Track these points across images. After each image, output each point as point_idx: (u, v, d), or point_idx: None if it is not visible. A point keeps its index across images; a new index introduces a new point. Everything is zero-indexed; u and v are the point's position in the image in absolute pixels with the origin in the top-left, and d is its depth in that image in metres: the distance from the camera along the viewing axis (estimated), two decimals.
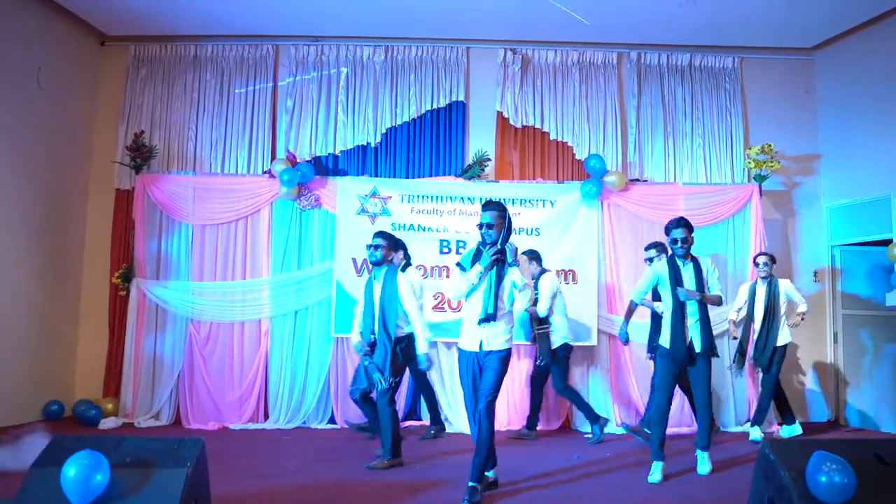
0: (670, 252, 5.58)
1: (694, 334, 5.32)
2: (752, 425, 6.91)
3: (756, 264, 7.09)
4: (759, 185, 7.79)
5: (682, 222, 5.40)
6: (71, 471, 3.25)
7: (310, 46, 8.33)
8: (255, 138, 8.22)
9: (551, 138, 8.26)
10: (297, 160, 7.82)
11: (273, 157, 8.08)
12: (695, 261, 5.43)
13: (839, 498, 3.37)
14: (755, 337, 6.97)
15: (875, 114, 7.68)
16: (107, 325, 7.85)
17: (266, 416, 7.46)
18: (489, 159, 8.00)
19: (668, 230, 5.47)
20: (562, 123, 8.29)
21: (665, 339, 5.38)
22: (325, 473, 5.22)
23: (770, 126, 8.31)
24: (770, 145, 7.74)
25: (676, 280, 5.34)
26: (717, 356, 5.55)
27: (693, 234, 5.45)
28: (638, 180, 8.06)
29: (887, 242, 7.23)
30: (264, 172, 7.96)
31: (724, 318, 7.30)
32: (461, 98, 8.27)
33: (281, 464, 5.51)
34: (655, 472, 5.11)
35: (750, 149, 7.93)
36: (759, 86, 8.46)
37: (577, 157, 8.19)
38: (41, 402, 7.36)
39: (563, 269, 7.56)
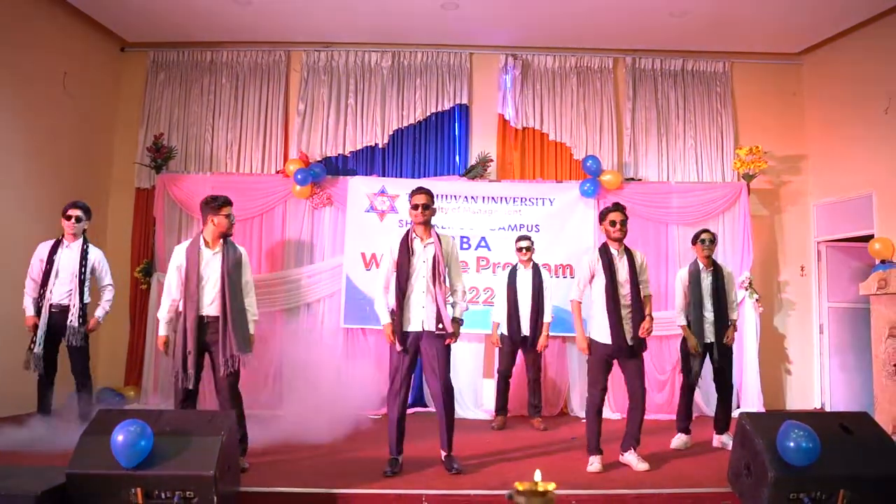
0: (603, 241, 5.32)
1: (626, 328, 5.07)
2: (720, 433, 6.07)
3: (701, 241, 6.05)
4: (748, 183, 8.17)
5: (619, 206, 5.25)
6: (119, 437, 3.65)
7: (321, 52, 8.72)
8: (269, 140, 8.63)
9: (550, 139, 8.62)
10: (309, 160, 8.22)
11: (285, 158, 8.49)
12: (629, 252, 5.23)
13: (805, 461, 3.78)
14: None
15: (858, 116, 8.02)
16: (128, 318, 8.24)
17: (281, 403, 7.82)
18: (491, 160, 8.36)
19: (602, 216, 5.27)
20: (560, 125, 8.65)
21: (595, 333, 5.15)
22: (331, 452, 5.58)
23: (759, 127, 8.67)
24: (758, 147, 8.09)
25: (611, 272, 5.12)
26: (646, 349, 5.25)
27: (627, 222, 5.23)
28: (633, 179, 8.42)
29: (869, 238, 7.58)
30: (277, 172, 8.37)
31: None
32: (464, 101, 8.64)
33: (292, 445, 5.77)
34: (594, 464, 4.98)
35: (740, 149, 8.28)
36: (749, 89, 8.82)
37: (574, 157, 8.55)
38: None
39: (561, 264, 7.97)
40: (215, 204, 5.04)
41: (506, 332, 6.99)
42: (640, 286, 5.17)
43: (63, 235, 6.13)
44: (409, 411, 6.45)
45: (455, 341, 4.96)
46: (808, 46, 8.66)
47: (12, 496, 3.45)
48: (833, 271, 8.44)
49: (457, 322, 4.95)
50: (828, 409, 8.11)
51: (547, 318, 6.98)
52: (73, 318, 5.95)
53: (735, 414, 7.39)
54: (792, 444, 3.78)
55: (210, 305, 4.96)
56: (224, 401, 4.98)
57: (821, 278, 8.47)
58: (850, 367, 8.27)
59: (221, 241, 5.06)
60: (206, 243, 5.05)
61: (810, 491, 3.78)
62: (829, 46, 8.48)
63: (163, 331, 5.08)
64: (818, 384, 8.36)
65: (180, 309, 5.02)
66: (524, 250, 7.04)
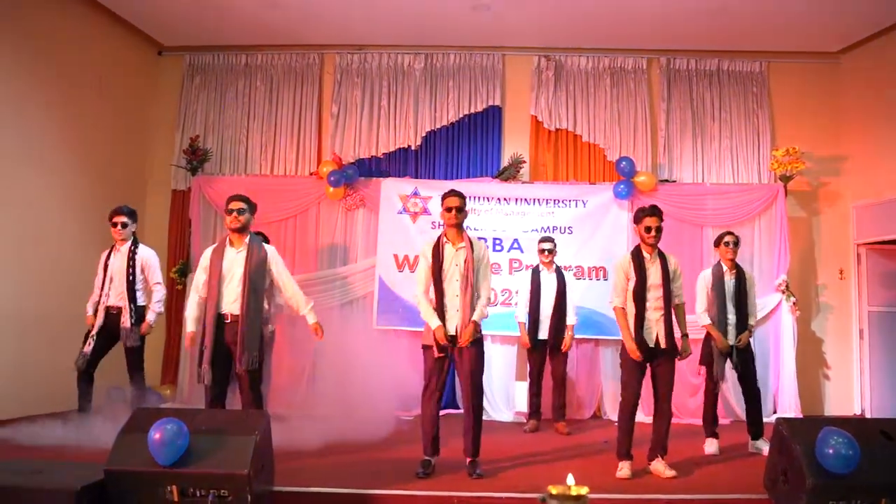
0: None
1: (659, 330, 4.95)
2: (754, 438, 5.93)
3: (725, 244, 6.02)
4: (785, 185, 8.03)
5: (656, 210, 5.06)
6: (156, 434, 3.70)
7: (354, 55, 8.78)
8: (302, 142, 8.72)
9: (583, 141, 8.56)
10: (343, 162, 8.27)
11: (319, 160, 8.56)
12: (663, 256, 5.07)
13: (845, 468, 3.69)
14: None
15: None
16: (164, 317, 8.34)
17: (314, 404, 7.87)
18: (524, 161, 8.33)
19: (638, 218, 5.10)
20: (594, 126, 8.59)
21: (629, 337, 4.98)
22: (364, 453, 5.59)
23: (796, 128, 8.51)
24: (795, 148, 7.94)
25: (642, 275, 4.98)
26: (682, 356, 5.08)
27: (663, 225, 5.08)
28: (667, 181, 8.32)
29: None
30: (311, 174, 8.44)
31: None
32: (497, 103, 8.64)
33: (325, 445, 5.74)
34: (623, 469, 4.86)
35: (777, 150, 8.13)
36: (786, 89, 8.67)
37: (608, 158, 8.47)
38: (103, 389, 7.84)
39: (594, 266, 7.91)
40: (226, 203, 5.19)
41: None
42: (674, 293, 5.06)
43: (115, 241, 6.26)
44: (442, 413, 6.48)
45: (469, 342, 4.80)
46: (847, 45, 8.49)
47: (52, 491, 3.52)
48: (873, 275, 8.26)
49: (474, 325, 4.82)
50: (868, 416, 7.95)
51: (571, 320, 6.91)
52: (125, 320, 6.08)
53: (771, 419, 7.30)
54: (831, 450, 3.69)
55: (233, 303, 5.03)
56: (246, 399, 5.06)
57: (861, 282, 8.28)
58: (891, 372, 8.09)
59: (247, 239, 5.14)
60: (231, 242, 5.16)
61: (850, 499, 3.70)
62: (868, 45, 8.31)
63: (190, 327, 5.18)
64: (858, 390, 8.18)
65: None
66: (547, 252, 6.97)
